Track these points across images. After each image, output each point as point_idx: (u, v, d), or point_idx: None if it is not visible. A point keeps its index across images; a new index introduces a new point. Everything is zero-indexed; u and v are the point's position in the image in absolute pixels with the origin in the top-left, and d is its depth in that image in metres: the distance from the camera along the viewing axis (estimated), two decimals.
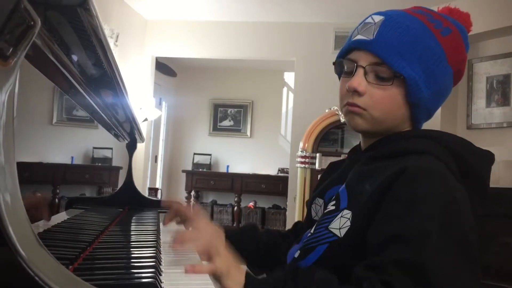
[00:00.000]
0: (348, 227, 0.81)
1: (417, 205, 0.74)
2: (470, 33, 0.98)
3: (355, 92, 0.85)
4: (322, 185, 1.04)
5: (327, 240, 0.84)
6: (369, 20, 0.88)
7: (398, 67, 0.83)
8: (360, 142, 1.00)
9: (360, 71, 0.85)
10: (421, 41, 0.84)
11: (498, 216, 3.38)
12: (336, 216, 0.85)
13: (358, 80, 0.85)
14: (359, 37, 0.87)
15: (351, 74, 0.87)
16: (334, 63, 0.93)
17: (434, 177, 0.78)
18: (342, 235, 0.82)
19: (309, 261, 0.86)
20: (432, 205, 0.74)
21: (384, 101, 0.85)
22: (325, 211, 0.91)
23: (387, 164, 0.83)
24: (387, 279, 0.68)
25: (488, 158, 0.89)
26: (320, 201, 1.01)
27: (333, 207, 0.88)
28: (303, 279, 0.74)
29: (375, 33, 0.85)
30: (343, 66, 0.90)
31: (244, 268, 0.80)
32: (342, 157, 4.43)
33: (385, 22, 0.86)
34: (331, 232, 0.84)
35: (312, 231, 0.91)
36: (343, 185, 0.90)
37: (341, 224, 0.83)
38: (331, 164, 1.11)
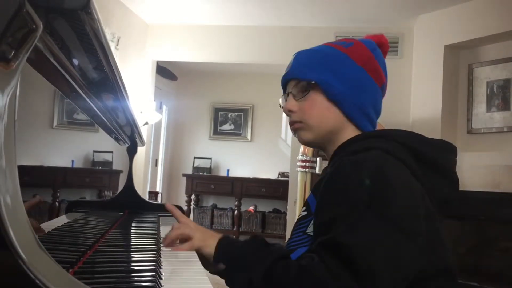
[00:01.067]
0: None
1: (347, 191, 0.84)
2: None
3: (290, 112, 1.03)
4: None
5: (306, 244, 0.91)
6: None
7: (309, 77, 1.00)
8: None
9: (290, 96, 1.04)
10: (324, 54, 1.03)
11: (498, 220, 3.37)
12: (311, 220, 0.92)
13: (288, 102, 1.03)
14: (284, 74, 1.07)
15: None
16: (280, 106, 1.10)
17: (366, 164, 0.86)
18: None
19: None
20: (359, 189, 0.82)
21: (311, 108, 1.00)
22: (298, 217, 1.00)
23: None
24: (313, 256, 0.80)
25: (445, 147, 0.98)
26: None
27: (305, 212, 0.97)
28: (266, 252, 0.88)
29: (291, 65, 1.06)
30: (283, 100, 1.08)
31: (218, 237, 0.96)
32: None
33: (297, 55, 1.07)
34: (310, 236, 0.91)
35: (290, 236, 1.00)
36: (310, 193, 0.99)
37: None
38: None
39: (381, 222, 0.79)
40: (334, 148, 1.02)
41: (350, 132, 1.01)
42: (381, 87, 1.04)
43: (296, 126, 1.03)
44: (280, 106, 1.10)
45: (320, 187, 0.91)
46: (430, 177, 0.91)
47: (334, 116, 1.00)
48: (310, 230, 0.91)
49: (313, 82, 0.99)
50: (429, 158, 0.93)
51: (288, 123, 1.09)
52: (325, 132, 1.01)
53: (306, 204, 0.98)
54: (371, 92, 1.02)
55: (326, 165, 1.08)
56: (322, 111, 1.00)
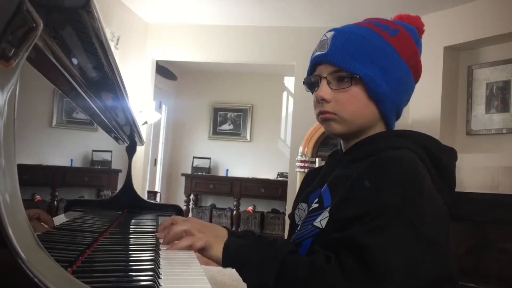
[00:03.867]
0: (328, 217, 0.89)
1: (379, 191, 0.82)
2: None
3: (323, 100, 0.95)
4: (304, 192, 1.10)
5: (311, 234, 0.91)
6: (324, 37, 0.98)
7: (353, 69, 0.92)
8: (340, 146, 1.07)
9: (323, 82, 0.95)
10: (370, 43, 0.93)
11: (497, 222, 3.38)
12: (321, 213, 0.91)
13: (323, 90, 0.94)
14: (317, 53, 0.97)
15: (318, 87, 0.97)
16: (304, 83, 1.01)
17: (401, 164, 0.85)
18: (323, 226, 0.89)
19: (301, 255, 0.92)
20: (392, 191, 0.81)
21: (349, 102, 0.94)
22: (309, 210, 0.98)
23: (364, 162, 0.91)
24: (329, 254, 0.79)
25: (452, 154, 0.98)
26: (303, 205, 1.07)
27: (317, 205, 0.95)
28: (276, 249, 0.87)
29: (328, 46, 0.95)
30: (311, 82, 0.99)
31: (223, 236, 0.96)
32: None
33: (336, 35, 0.96)
34: (316, 226, 0.91)
35: (299, 228, 0.98)
36: (325, 186, 0.97)
37: (322, 218, 0.90)
38: (310, 171, 1.19)
39: (408, 230, 0.79)
40: (357, 140, 0.99)
41: (378, 129, 0.99)
42: (416, 83, 1.01)
43: (328, 117, 0.96)
44: (303, 83, 1.01)
45: (348, 181, 0.89)
46: (439, 183, 0.91)
47: (370, 113, 0.95)
48: (317, 221, 0.91)
49: (358, 76, 0.92)
50: (443, 164, 0.93)
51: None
52: (357, 127, 0.97)
53: (319, 196, 0.96)
54: (409, 91, 0.99)
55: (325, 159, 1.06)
56: (360, 107, 0.94)
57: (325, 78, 0.95)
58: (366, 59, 0.92)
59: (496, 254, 3.43)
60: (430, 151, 0.92)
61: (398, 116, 1.01)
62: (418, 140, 0.93)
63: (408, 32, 0.99)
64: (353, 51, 0.93)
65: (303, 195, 1.09)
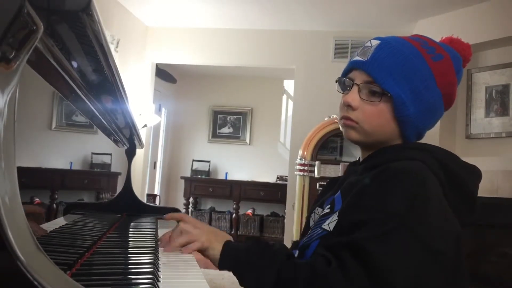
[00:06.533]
0: (336, 220, 0.90)
1: (386, 199, 0.82)
2: (469, 43, 1.03)
3: (349, 106, 0.95)
4: (322, 198, 1.11)
5: (319, 236, 0.92)
6: (368, 44, 0.98)
7: (386, 86, 0.92)
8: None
9: (355, 88, 0.95)
10: (410, 63, 0.93)
11: (496, 226, 3.37)
12: (330, 216, 0.93)
13: (352, 96, 0.95)
14: (357, 58, 0.97)
15: (348, 91, 0.97)
16: (336, 81, 1.01)
17: (411, 175, 0.85)
18: (331, 229, 0.90)
19: (306, 257, 0.93)
20: (399, 200, 0.81)
21: (373, 116, 0.94)
22: (321, 214, 0.99)
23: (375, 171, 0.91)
24: (330, 257, 0.80)
25: (475, 172, 0.96)
26: (319, 210, 1.08)
27: (328, 210, 0.96)
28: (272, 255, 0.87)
29: (370, 55, 0.94)
30: (343, 83, 0.99)
31: (225, 239, 0.96)
32: (341, 165, 4.39)
33: (380, 45, 0.95)
34: (324, 229, 0.92)
35: (309, 231, 1.00)
36: (338, 192, 0.98)
37: (331, 221, 0.91)
38: (331, 179, 1.20)
39: (412, 239, 0.79)
40: (373, 150, 1.00)
41: (396, 143, 0.99)
42: (446, 110, 1.02)
43: (350, 124, 0.97)
44: (336, 81, 1.01)
45: (356, 187, 0.90)
46: (455, 199, 0.90)
47: (391, 130, 0.96)
48: (326, 224, 0.92)
49: (389, 94, 0.92)
50: (460, 180, 0.92)
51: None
52: (375, 140, 0.98)
53: (332, 202, 0.97)
54: (436, 117, 0.99)
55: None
56: (383, 123, 0.95)
57: (358, 85, 0.95)
58: (402, 78, 0.92)
59: (495, 258, 3.43)
60: (445, 166, 0.91)
61: (419, 137, 1.01)
62: (433, 154, 0.92)
63: (452, 60, 0.98)
64: (392, 67, 0.92)
65: (320, 200, 1.10)
